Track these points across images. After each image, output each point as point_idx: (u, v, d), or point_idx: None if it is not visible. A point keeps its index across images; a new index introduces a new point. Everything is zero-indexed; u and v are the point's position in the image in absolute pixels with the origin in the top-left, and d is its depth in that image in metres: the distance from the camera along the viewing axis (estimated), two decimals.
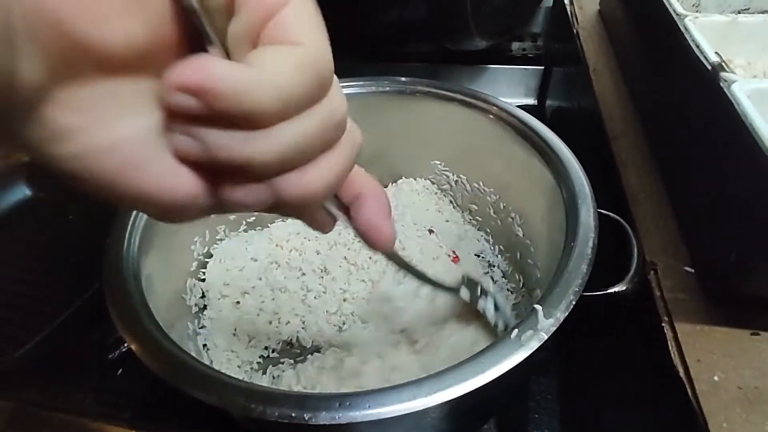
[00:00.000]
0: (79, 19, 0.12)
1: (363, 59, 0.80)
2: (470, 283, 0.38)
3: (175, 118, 0.14)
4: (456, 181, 0.53)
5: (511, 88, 0.79)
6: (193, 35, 0.14)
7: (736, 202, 0.27)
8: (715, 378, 0.25)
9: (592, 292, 0.30)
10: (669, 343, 0.27)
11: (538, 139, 0.42)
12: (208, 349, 0.41)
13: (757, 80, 0.28)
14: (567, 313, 0.27)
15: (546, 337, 0.25)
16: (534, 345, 0.25)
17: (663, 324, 0.28)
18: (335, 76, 0.16)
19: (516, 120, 0.45)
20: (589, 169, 0.49)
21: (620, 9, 0.52)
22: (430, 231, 0.52)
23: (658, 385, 0.29)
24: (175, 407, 0.39)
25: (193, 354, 0.27)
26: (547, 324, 0.26)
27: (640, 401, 0.33)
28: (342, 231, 0.50)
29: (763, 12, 0.41)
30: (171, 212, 0.15)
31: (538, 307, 0.27)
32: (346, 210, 0.21)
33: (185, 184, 0.15)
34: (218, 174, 0.15)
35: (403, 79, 0.51)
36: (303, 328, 0.43)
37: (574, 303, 0.27)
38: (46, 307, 0.45)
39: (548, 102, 0.75)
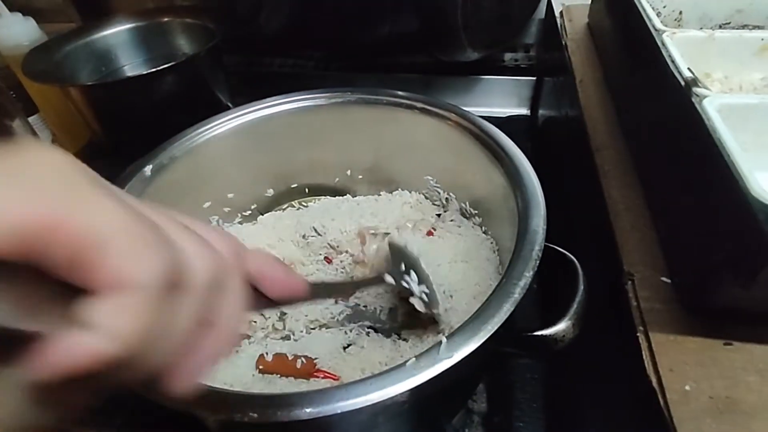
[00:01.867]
0: None
1: (357, 71, 0.82)
2: (394, 258, 0.40)
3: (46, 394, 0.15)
4: (447, 199, 0.54)
5: (504, 99, 0.80)
6: None
7: (709, 215, 0.28)
8: (687, 387, 0.26)
9: (531, 329, 0.31)
10: (643, 352, 0.28)
11: (511, 165, 0.42)
12: None
13: (728, 95, 0.28)
14: (474, 349, 0.27)
15: (440, 372, 0.26)
16: (425, 377, 0.25)
17: (638, 333, 0.29)
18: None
19: (482, 132, 0.46)
20: (574, 179, 0.50)
21: (607, 23, 0.53)
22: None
23: (635, 395, 0.30)
24: (165, 415, 0.39)
25: None
26: (445, 358, 0.26)
27: (621, 410, 0.33)
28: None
29: (744, 26, 0.42)
30: None
31: (443, 339, 0.27)
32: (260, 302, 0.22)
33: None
34: None
35: (402, 92, 0.52)
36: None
37: (484, 340, 0.27)
38: None
39: (540, 111, 0.76)
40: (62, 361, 0.14)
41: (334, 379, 0.40)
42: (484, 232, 0.50)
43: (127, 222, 0.15)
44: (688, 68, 0.30)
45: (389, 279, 0.39)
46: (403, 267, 0.40)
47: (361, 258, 0.50)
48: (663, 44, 0.34)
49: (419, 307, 0.39)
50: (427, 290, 0.39)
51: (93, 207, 0.15)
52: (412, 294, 0.39)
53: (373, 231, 0.51)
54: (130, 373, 0.15)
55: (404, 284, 0.39)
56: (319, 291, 0.29)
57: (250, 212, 0.56)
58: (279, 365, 0.41)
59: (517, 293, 0.30)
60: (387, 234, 0.51)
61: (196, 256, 0.17)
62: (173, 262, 0.16)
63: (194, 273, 0.17)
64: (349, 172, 0.58)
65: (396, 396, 0.25)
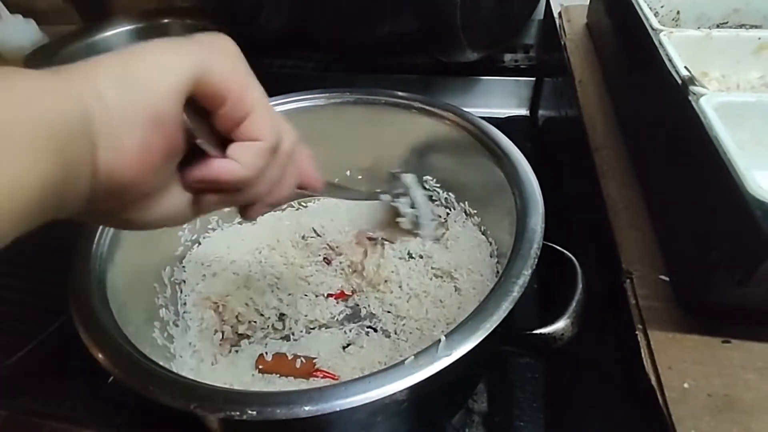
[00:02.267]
0: (137, 191, 0.21)
1: (356, 71, 0.82)
2: (392, 184, 0.45)
3: (198, 191, 0.23)
4: (446, 198, 0.54)
5: (503, 99, 0.80)
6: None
7: (706, 213, 0.28)
8: (686, 385, 0.26)
9: (529, 328, 0.31)
10: (642, 350, 0.28)
11: (510, 165, 0.42)
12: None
13: (725, 94, 0.28)
14: (472, 348, 0.27)
15: (438, 370, 0.26)
16: (424, 375, 0.26)
17: (637, 332, 0.29)
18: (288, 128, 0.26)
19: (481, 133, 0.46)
20: (573, 178, 0.50)
21: (605, 23, 0.53)
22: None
23: (634, 393, 0.30)
24: (165, 415, 0.39)
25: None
26: (444, 356, 0.27)
27: (620, 408, 0.33)
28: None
29: (741, 26, 0.42)
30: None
31: (442, 338, 0.27)
32: None
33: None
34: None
35: (401, 92, 0.53)
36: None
37: (483, 339, 0.28)
38: (38, 315, 0.46)
39: (540, 112, 0.76)
40: (217, 172, 0.22)
41: (333, 379, 0.40)
42: (483, 232, 0.50)
43: (264, 99, 0.23)
44: (685, 67, 0.30)
45: (385, 197, 0.45)
46: (398, 191, 0.46)
47: (360, 269, 0.50)
48: (660, 43, 0.34)
49: (405, 226, 0.45)
50: (418, 214, 0.46)
51: (254, 82, 0.23)
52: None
53: (370, 235, 0.51)
54: (242, 195, 0.24)
55: (397, 204, 0.45)
56: (329, 190, 0.36)
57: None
58: (278, 365, 0.41)
59: (516, 291, 0.30)
60: (386, 241, 0.51)
61: (286, 135, 0.25)
62: (279, 135, 0.24)
63: (283, 145, 0.25)
64: (348, 173, 0.58)
65: (395, 394, 0.25)
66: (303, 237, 0.53)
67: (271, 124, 0.23)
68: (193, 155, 0.22)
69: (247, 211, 0.27)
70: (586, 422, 0.38)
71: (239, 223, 0.55)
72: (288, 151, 0.26)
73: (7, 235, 0.16)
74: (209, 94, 0.21)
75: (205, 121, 0.22)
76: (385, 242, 0.51)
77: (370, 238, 0.51)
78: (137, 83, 0.19)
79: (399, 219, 0.47)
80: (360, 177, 0.58)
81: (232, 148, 0.22)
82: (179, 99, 0.20)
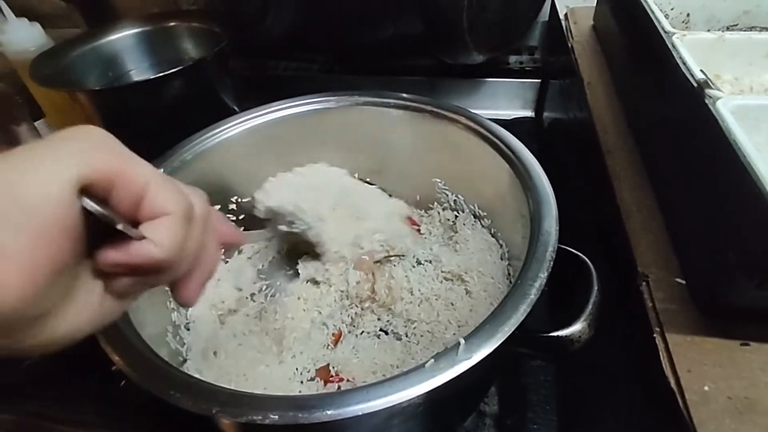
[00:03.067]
0: (31, 313, 0.18)
1: (361, 74, 0.82)
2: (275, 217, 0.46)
3: (109, 276, 0.21)
4: (455, 201, 0.54)
5: (508, 101, 0.81)
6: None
7: (723, 216, 0.28)
8: (706, 388, 0.26)
9: (544, 331, 0.31)
10: (660, 353, 0.28)
11: (522, 168, 0.42)
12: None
13: (741, 97, 0.28)
14: (491, 351, 0.27)
15: (459, 373, 0.26)
16: (445, 378, 0.26)
17: (654, 335, 0.29)
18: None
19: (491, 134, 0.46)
20: (583, 181, 0.50)
21: (613, 25, 0.53)
22: None
23: (652, 395, 0.30)
24: (177, 420, 0.39)
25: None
26: (464, 359, 0.27)
27: (636, 411, 0.33)
28: None
29: (751, 28, 0.43)
30: None
31: (461, 341, 0.27)
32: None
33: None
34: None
35: (410, 95, 0.53)
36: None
37: (502, 341, 0.28)
38: None
39: (545, 114, 0.76)
40: (131, 257, 0.20)
41: (350, 383, 0.40)
42: (493, 235, 0.50)
43: (156, 174, 0.22)
44: (701, 70, 0.30)
45: (282, 228, 0.45)
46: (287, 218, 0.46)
47: (370, 295, 0.48)
48: (673, 46, 0.35)
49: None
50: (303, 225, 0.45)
51: (138, 161, 0.21)
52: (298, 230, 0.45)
53: (366, 256, 0.49)
54: (165, 276, 0.23)
55: (294, 229, 0.45)
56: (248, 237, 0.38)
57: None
58: None
59: (533, 294, 0.30)
60: (393, 257, 0.50)
61: (195, 199, 0.24)
62: (187, 202, 0.23)
63: (196, 211, 0.24)
64: (356, 175, 0.58)
65: (415, 398, 0.25)
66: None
67: (173, 193, 0.22)
68: (96, 242, 0.20)
69: (179, 295, 0.25)
70: (600, 425, 0.38)
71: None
72: (203, 216, 0.24)
73: None
74: (98, 185, 0.19)
75: (109, 211, 0.20)
76: (392, 258, 0.50)
77: (377, 262, 0.50)
78: (13, 201, 0.17)
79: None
80: (368, 179, 0.58)
81: (144, 228, 0.21)
82: (66, 203, 0.18)
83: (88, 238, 0.20)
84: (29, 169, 0.18)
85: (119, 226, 0.20)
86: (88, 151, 0.19)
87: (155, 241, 0.21)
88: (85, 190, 0.19)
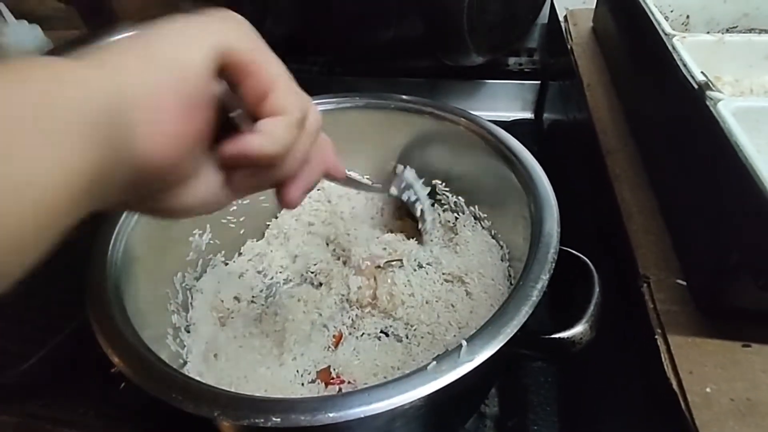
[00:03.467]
0: (174, 171, 0.20)
1: (361, 75, 0.82)
2: (397, 178, 0.48)
3: (231, 169, 0.23)
4: (455, 202, 0.54)
5: (508, 103, 0.81)
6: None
7: (725, 217, 0.28)
8: (708, 390, 0.26)
9: (545, 333, 0.31)
10: (662, 355, 0.28)
11: (523, 169, 0.42)
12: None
13: (742, 99, 0.29)
14: (494, 352, 0.27)
15: (462, 375, 0.26)
16: (448, 380, 0.26)
17: (656, 336, 0.29)
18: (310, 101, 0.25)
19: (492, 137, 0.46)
20: (583, 182, 0.50)
21: (613, 27, 0.53)
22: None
23: (653, 397, 0.30)
24: (177, 421, 0.39)
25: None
26: (466, 361, 0.27)
27: (638, 413, 0.33)
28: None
29: (751, 30, 0.43)
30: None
31: (463, 343, 0.27)
32: None
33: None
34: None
35: (410, 96, 0.53)
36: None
37: (504, 343, 0.28)
38: (50, 321, 0.45)
39: (545, 115, 0.76)
40: (249, 146, 0.22)
41: (350, 385, 0.40)
42: (494, 236, 0.50)
43: (287, 74, 0.23)
44: (702, 72, 0.30)
45: (393, 191, 0.47)
46: (403, 185, 0.49)
47: (371, 301, 0.48)
48: (674, 48, 0.35)
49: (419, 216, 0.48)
50: (423, 208, 0.48)
51: (273, 56, 0.22)
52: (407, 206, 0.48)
53: (368, 261, 0.49)
54: (274, 173, 0.24)
55: (404, 198, 0.48)
56: (347, 181, 0.38)
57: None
58: None
59: (535, 296, 0.30)
60: (395, 262, 0.50)
61: (311, 111, 0.25)
62: (305, 109, 0.24)
63: (309, 121, 0.25)
64: (357, 177, 0.58)
65: (417, 400, 0.25)
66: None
67: (295, 98, 0.23)
68: (223, 135, 0.22)
69: (284, 195, 0.26)
70: (601, 426, 0.38)
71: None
72: (314, 128, 0.25)
73: (53, 230, 0.16)
74: (234, 67, 0.21)
75: (234, 98, 0.22)
76: (393, 264, 0.50)
77: (378, 266, 0.50)
78: (164, 65, 0.19)
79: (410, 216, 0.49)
80: (368, 180, 0.58)
81: (261, 123, 0.22)
82: (208, 75, 0.20)
83: (218, 124, 0.21)
84: (175, 36, 0.19)
85: (232, 115, 0.21)
86: (229, 32, 0.20)
87: (270, 134, 0.22)
88: (221, 73, 0.20)
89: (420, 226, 0.50)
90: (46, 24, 0.71)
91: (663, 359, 0.28)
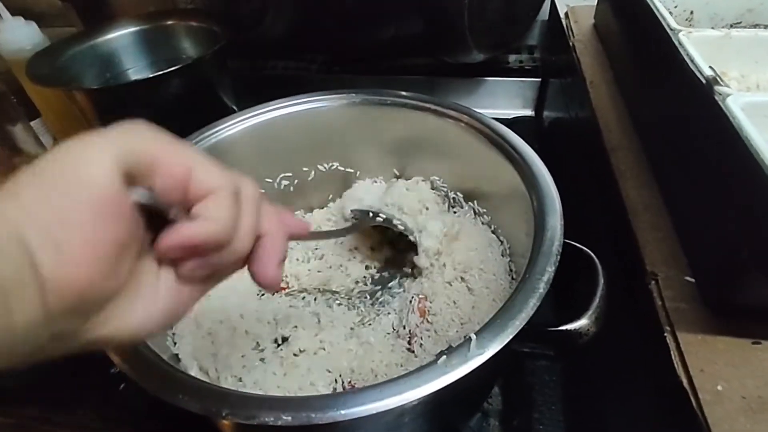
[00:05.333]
0: (97, 290, 0.19)
1: (361, 73, 0.82)
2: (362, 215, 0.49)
3: (178, 264, 0.22)
4: (454, 198, 0.54)
5: (508, 100, 0.80)
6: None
7: (734, 213, 0.28)
8: (719, 388, 0.26)
9: (550, 326, 0.31)
10: (672, 352, 0.28)
11: (524, 165, 0.42)
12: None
13: (751, 94, 0.28)
14: (503, 346, 0.27)
15: (473, 368, 0.26)
16: (458, 374, 0.26)
17: (665, 334, 0.29)
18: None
19: (489, 130, 0.46)
20: (586, 180, 0.50)
21: (615, 23, 0.53)
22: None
23: (663, 395, 0.29)
24: (177, 422, 0.39)
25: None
26: (476, 355, 0.26)
27: (646, 411, 0.33)
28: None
29: (755, 26, 0.42)
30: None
31: (473, 336, 0.27)
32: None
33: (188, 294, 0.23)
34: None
35: (406, 93, 0.52)
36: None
37: (513, 336, 0.28)
38: None
39: (545, 113, 0.76)
40: (185, 236, 0.21)
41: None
42: (494, 231, 0.50)
43: (201, 156, 0.22)
44: (710, 67, 0.30)
45: (379, 219, 0.48)
46: (370, 215, 0.49)
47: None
48: (680, 43, 0.34)
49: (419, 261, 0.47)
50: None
51: (181, 144, 0.22)
52: (394, 227, 0.48)
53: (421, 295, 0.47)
54: (227, 255, 0.23)
55: (395, 223, 0.48)
56: (316, 235, 0.39)
57: None
58: None
59: (542, 288, 0.30)
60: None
61: (243, 183, 0.24)
62: (234, 181, 0.23)
63: (246, 192, 0.24)
64: (358, 173, 0.58)
65: (427, 395, 0.25)
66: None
67: (217, 172, 0.22)
68: (154, 236, 0.21)
69: (257, 275, 0.25)
70: (608, 425, 0.38)
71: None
72: (253, 197, 0.24)
73: None
74: (141, 169, 0.20)
75: (160, 200, 0.21)
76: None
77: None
78: (64, 188, 0.18)
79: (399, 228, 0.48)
80: (368, 178, 0.58)
81: (195, 209, 0.22)
82: (114, 186, 0.19)
83: (149, 228, 0.21)
84: (74, 155, 0.19)
85: (171, 213, 0.21)
86: (128, 138, 0.20)
87: (207, 215, 0.21)
88: (132, 180, 0.20)
89: (419, 254, 0.48)
90: (43, 21, 0.70)
91: (673, 357, 0.27)
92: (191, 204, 0.22)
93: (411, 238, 0.48)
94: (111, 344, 0.21)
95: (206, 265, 0.22)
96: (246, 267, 0.25)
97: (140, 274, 0.21)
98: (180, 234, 0.21)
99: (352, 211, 0.51)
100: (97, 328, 0.19)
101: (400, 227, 0.48)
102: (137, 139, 0.20)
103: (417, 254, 0.48)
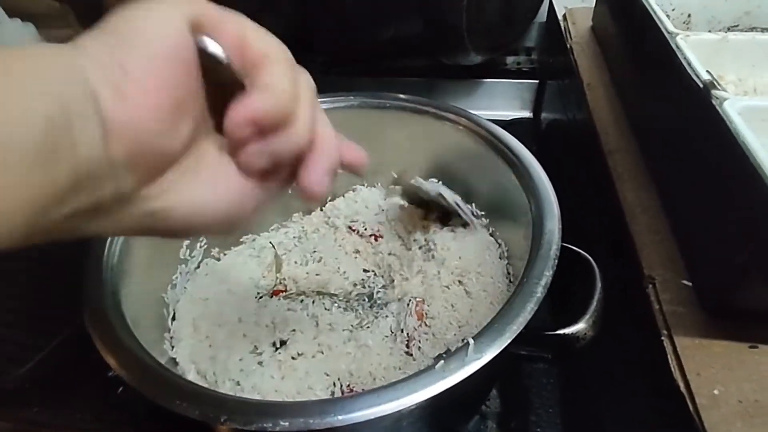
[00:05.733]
0: (156, 143, 0.19)
1: (359, 74, 0.82)
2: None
3: (238, 144, 0.21)
4: (455, 201, 0.53)
5: (506, 102, 0.80)
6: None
7: (731, 217, 0.28)
8: (715, 392, 0.26)
9: (548, 330, 0.31)
10: (669, 356, 0.28)
11: (523, 168, 0.42)
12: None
13: (748, 97, 0.28)
14: (501, 350, 0.27)
15: (470, 373, 0.26)
16: (456, 379, 0.26)
17: (662, 337, 0.29)
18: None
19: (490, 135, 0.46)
20: (584, 182, 0.50)
21: (613, 26, 0.53)
22: None
23: (659, 399, 0.30)
24: (176, 425, 0.39)
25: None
26: (474, 359, 0.26)
27: (642, 414, 0.33)
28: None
29: (752, 29, 0.43)
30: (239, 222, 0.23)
31: (471, 341, 0.27)
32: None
33: (250, 191, 0.22)
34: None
35: (404, 96, 0.52)
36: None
37: (511, 340, 0.28)
38: (47, 325, 0.45)
39: (543, 115, 0.76)
40: (250, 107, 0.20)
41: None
42: (491, 234, 0.50)
43: (253, 23, 0.21)
44: (707, 71, 0.30)
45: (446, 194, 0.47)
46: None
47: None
48: (678, 47, 0.34)
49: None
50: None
51: (231, 12, 0.21)
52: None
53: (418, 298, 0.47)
54: (287, 138, 0.21)
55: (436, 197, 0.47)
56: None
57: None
58: None
59: (540, 292, 0.30)
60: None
61: (301, 71, 0.23)
62: (288, 55, 0.22)
63: (304, 78, 0.23)
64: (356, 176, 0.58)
65: (425, 399, 0.25)
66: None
67: (272, 38, 0.21)
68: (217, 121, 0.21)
69: (304, 179, 0.23)
70: (605, 427, 0.38)
71: None
72: (310, 84, 0.23)
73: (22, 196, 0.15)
74: (205, 26, 0.20)
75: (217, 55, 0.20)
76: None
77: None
78: (135, 29, 0.18)
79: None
80: (364, 181, 0.58)
81: (255, 77, 0.20)
82: (182, 30, 0.19)
83: (209, 88, 0.20)
84: (144, 11, 0.19)
85: (234, 69, 0.20)
86: (190, 1, 0.20)
87: (267, 86, 0.20)
88: (197, 30, 0.19)
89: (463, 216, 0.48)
90: (41, 22, 0.70)
91: (670, 361, 0.27)
92: (246, 68, 0.21)
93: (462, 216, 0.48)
94: (168, 222, 0.20)
95: (266, 152, 0.21)
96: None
97: (201, 152, 0.21)
98: (250, 106, 0.20)
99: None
100: (155, 198, 0.19)
101: (453, 205, 0.47)
102: (199, 3, 0.20)
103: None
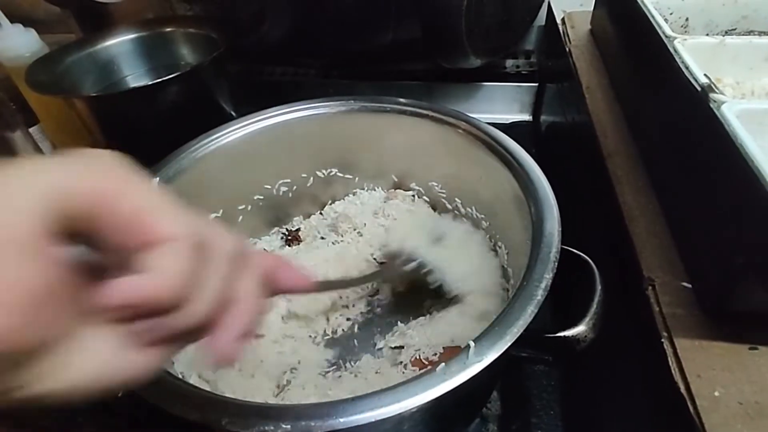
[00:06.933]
0: (9, 339, 0.15)
1: (359, 78, 0.82)
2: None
3: (120, 321, 0.18)
4: (454, 205, 0.54)
5: (506, 105, 0.81)
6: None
7: (729, 219, 0.28)
8: (716, 393, 0.26)
9: (548, 332, 0.31)
10: (669, 358, 0.28)
11: (522, 171, 0.42)
12: None
13: (746, 101, 0.28)
14: (502, 352, 0.27)
15: (471, 375, 0.26)
16: (457, 381, 0.26)
17: (662, 340, 0.29)
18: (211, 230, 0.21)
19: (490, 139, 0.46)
20: (583, 185, 0.50)
21: (611, 29, 0.53)
22: None
23: (660, 401, 0.30)
24: (176, 429, 0.39)
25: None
26: (475, 362, 0.27)
27: (643, 417, 0.33)
28: None
29: (750, 32, 0.43)
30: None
31: (471, 344, 0.27)
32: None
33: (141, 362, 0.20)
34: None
35: (407, 100, 0.52)
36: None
37: (512, 342, 0.28)
38: None
39: (543, 117, 0.76)
40: (124, 293, 0.17)
41: None
42: (491, 238, 0.50)
43: (161, 199, 0.19)
44: (705, 74, 0.30)
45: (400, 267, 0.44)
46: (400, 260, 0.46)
47: None
48: (675, 51, 0.35)
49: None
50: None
51: (135, 187, 0.18)
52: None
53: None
54: (181, 320, 0.19)
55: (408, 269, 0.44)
56: (324, 286, 0.33)
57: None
58: None
59: (540, 295, 0.30)
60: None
61: (216, 235, 0.21)
62: (198, 231, 0.20)
63: (216, 246, 0.20)
64: (356, 179, 0.58)
65: (427, 402, 0.25)
66: None
67: (178, 218, 0.19)
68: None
69: (213, 347, 0.21)
70: (605, 429, 0.38)
71: None
72: (229, 253, 0.21)
73: None
74: (75, 209, 0.17)
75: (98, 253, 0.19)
76: None
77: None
78: None
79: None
80: (365, 185, 0.58)
81: (143, 260, 0.18)
82: (33, 227, 0.16)
83: (93, 275, 0.18)
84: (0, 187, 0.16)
85: (109, 267, 0.18)
86: (67, 173, 0.17)
87: (153, 268, 0.18)
88: (66, 221, 0.17)
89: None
90: (42, 28, 0.70)
91: (670, 363, 0.27)
92: (142, 253, 0.18)
93: (447, 295, 0.45)
94: (48, 402, 0.18)
95: (156, 329, 0.19)
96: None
97: (81, 329, 0.18)
98: (118, 289, 0.17)
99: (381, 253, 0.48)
100: (31, 386, 0.17)
101: (437, 282, 0.44)
102: (80, 174, 0.17)
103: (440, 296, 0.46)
